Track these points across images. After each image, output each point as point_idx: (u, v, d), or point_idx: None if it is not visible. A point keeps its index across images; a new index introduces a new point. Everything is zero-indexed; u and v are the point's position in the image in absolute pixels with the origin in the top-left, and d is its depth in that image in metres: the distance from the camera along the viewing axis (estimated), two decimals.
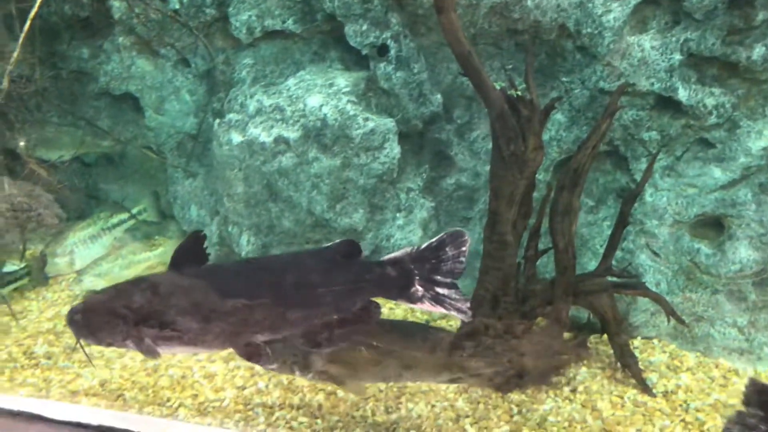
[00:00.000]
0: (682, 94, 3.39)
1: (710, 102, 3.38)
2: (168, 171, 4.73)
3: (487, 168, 3.72)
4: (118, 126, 4.77)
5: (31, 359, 3.54)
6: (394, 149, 3.73)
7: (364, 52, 3.83)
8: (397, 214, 3.92)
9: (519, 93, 3.11)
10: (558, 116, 3.62)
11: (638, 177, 3.54)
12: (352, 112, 3.69)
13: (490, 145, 3.32)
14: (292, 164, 3.75)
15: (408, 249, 2.50)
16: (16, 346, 3.67)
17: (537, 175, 3.23)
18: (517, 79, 3.21)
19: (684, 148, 3.55)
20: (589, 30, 3.42)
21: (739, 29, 3.23)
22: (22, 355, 3.58)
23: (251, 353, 2.31)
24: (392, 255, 2.49)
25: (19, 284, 4.24)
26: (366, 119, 3.69)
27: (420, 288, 2.41)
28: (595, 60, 3.47)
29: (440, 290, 2.42)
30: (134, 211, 4.70)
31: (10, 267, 4.13)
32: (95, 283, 4.22)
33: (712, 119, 3.40)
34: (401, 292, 2.42)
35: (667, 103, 3.48)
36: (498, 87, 3.10)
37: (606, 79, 3.47)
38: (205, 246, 2.40)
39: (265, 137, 3.77)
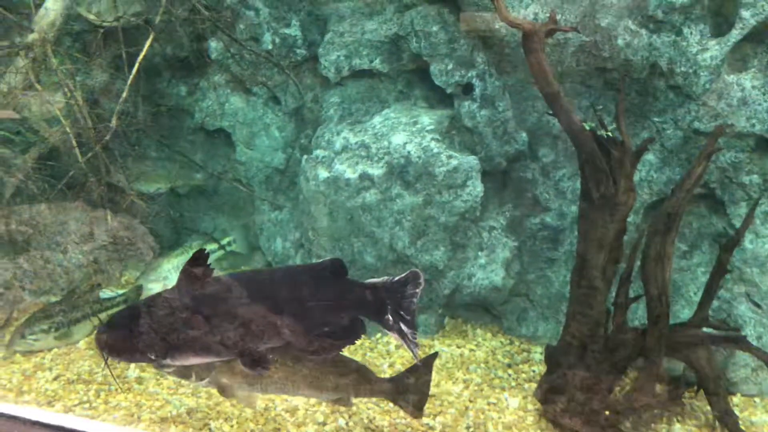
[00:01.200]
0: None
1: None
2: (256, 204, 4.90)
3: (574, 208, 3.65)
4: (211, 160, 4.99)
5: (124, 383, 3.71)
6: (477, 187, 3.72)
7: (449, 90, 3.87)
8: (479, 253, 3.88)
9: (609, 134, 3.04)
10: (649, 157, 3.51)
11: (736, 222, 3.37)
12: (435, 150, 3.71)
13: (577, 185, 3.26)
14: (376, 200, 3.80)
15: (384, 279, 2.64)
16: (111, 369, 3.84)
17: (627, 218, 3.13)
18: (606, 118, 3.14)
19: None
20: (683, 69, 3.31)
21: None
22: (116, 379, 3.75)
23: (254, 361, 2.42)
24: (372, 281, 2.63)
25: (117, 310, 4.47)
26: (449, 157, 3.71)
27: (391, 317, 2.58)
28: (689, 100, 3.35)
29: (403, 325, 2.60)
30: (223, 242, 4.88)
31: (109, 294, 4.37)
32: None
33: None
34: (378, 316, 2.58)
35: None
36: (587, 127, 3.05)
37: (701, 119, 3.33)
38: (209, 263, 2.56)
39: (351, 173, 3.84)
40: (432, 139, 3.77)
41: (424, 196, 3.73)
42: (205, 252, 2.41)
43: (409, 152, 3.73)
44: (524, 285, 3.98)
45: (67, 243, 3.55)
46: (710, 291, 3.14)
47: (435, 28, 3.83)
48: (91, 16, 4.00)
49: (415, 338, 2.59)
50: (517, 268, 3.92)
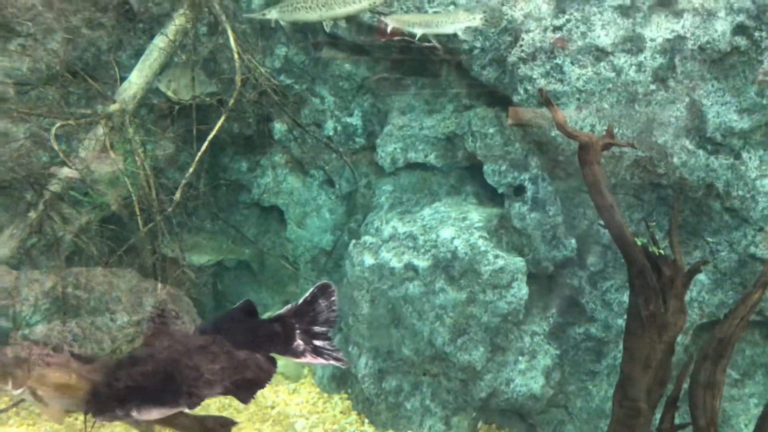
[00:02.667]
0: None
1: None
2: (299, 282, 4.96)
3: (620, 322, 3.58)
4: (262, 235, 5.11)
5: None
6: (522, 289, 3.69)
7: (501, 190, 3.92)
8: (520, 358, 3.81)
9: (661, 251, 3.01)
10: (701, 277, 3.45)
11: None
12: (482, 248, 3.73)
13: (624, 298, 3.21)
14: (419, 292, 3.81)
15: (289, 305, 2.71)
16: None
17: (676, 339, 3.04)
18: (658, 234, 3.12)
19: None
20: (740, 193, 3.30)
21: None
22: None
23: (192, 403, 2.56)
24: (278, 312, 2.70)
25: None
26: (496, 256, 3.72)
27: (301, 342, 2.63)
28: (746, 224, 3.32)
29: (318, 342, 2.64)
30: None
31: None
32: None
33: None
34: (286, 348, 2.63)
35: None
36: (639, 242, 3.03)
37: (758, 245, 3.28)
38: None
39: (396, 263, 3.88)
40: (480, 236, 3.79)
41: (468, 293, 3.72)
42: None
43: (456, 247, 3.76)
44: (564, 396, 3.85)
45: (117, 309, 3.65)
46: (763, 424, 2.98)
47: (491, 130, 3.94)
48: (169, 93, 4.27)
49: (334, 348, 2.64)
50: (557, 377, 3.82)
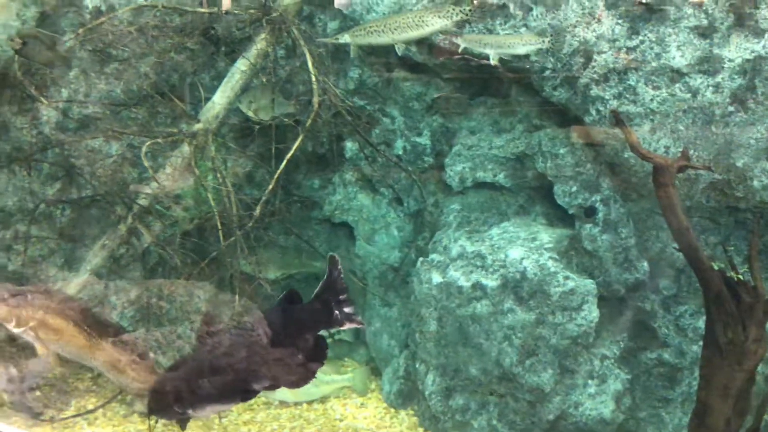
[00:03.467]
0: None
1: None
2: (367, 298, 5.06)
3: (695, 348, 3.50)
4: (332, 251, 5.22)
5: None
6: (592, 312, 3.66)
7: (571, 211, 3.91)
8: (589, 381, 3.76)
9: (740, 277, 2.94)
10: None
11: None
12: (552, 269, 3.72)
13: (698, 324, 3.15)
14: (487, 312, 3.82)
15: (321, 283, 2.96)
16: None
17: (756, 368, 2.95)
18: (736, 259, 3.05)
19: None
20: None
21: None
22: None
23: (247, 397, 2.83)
24: (316, 290, 2.95)
25: None
26: (566, 278, 3.70)
27: (337, 312, 2.89)
28: None
29: (346, 309, 2.91)
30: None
31: None
32: (283, 393, 4.51)
33: None
34: (329, 321, 2.88)
35: None
36: (716, 267, 2.97)
37: None
38: None
39: (464, 281, 3.91)
40: (550, 257, 3.79)
41: (537, 314, 3.72)
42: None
43: (525, 268, 3.77)
44: (635, 422, 3.78)
45: (196, 319, 3.85)
46: None
47: (562, 150, 3.94)
48: (250, 113, 4.48)
49: (357, 312, 2.91)
50: (628, 402, 3.75)
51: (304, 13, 4.53)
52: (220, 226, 3.87)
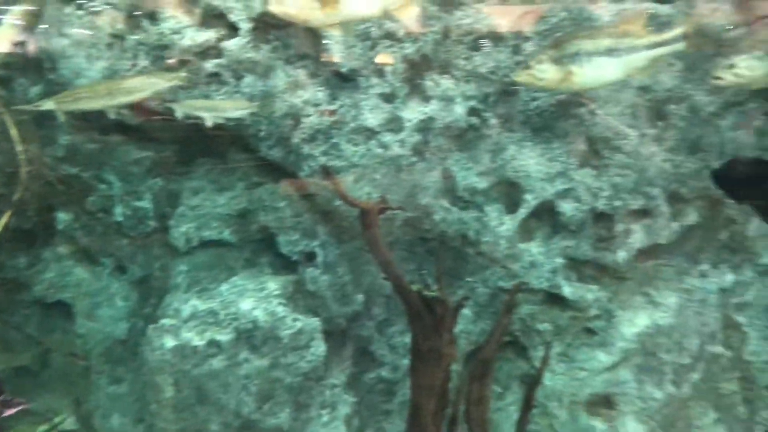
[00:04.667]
0: (567, 291, 3.95)
1: (590, 296, 3.94)
2: (92, 378, 4.70)
3: (405, 361, 4.01)
4: (47, 334, 4.79)
5: None
6: (320, 347, 3.96)
7: (294, 258, 4.23)
8: (322, 411, 4.02)
9: (432, 293, 3.51)
10: (466, 312, 4.03)
11: (537, 364, 3.90)
12: (281, 314, 3.96)
13: (406, 340, 3.64)
14: (223, 366, 3.88)
15: None
16: None
17: (451, 367, 3.53)
18: (429, 280, 3.66)
19: (573, 336, 4.03)
20: (487, 239, 4.01)
21: (604, 238, 3.92)
22: None
23: None
24: None
25: None
26: (294, 320, 3.97)
27: None
28: (493, 263, 4.02)
29: None
30: (56, 420, 4.54)
31: None
32: None
33: (593, 311, 3.95)
34: None
35: (555, 299, 4.02)
36: (414, 288, 3.51)
37: (503, 279, 4.00)
38: None
39: (198, 341, 3.92)
40: (279, 303, 4.03)
41: (271, 359, 3.90)
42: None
43: (256, 317, 3.94)
44: None
45: None
46: (521, 426, 3.54)
47: (282, 204, 4.28)
48: None
49: None
50: (357, 423, 4.10)
51: (2, 77, 4.27)
52: None
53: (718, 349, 4.09)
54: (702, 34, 3.66)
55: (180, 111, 4.12)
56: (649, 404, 3.94)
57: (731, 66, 3.51)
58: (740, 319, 4.13)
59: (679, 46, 3.44)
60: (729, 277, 4.11)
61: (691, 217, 4.05)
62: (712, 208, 4.06)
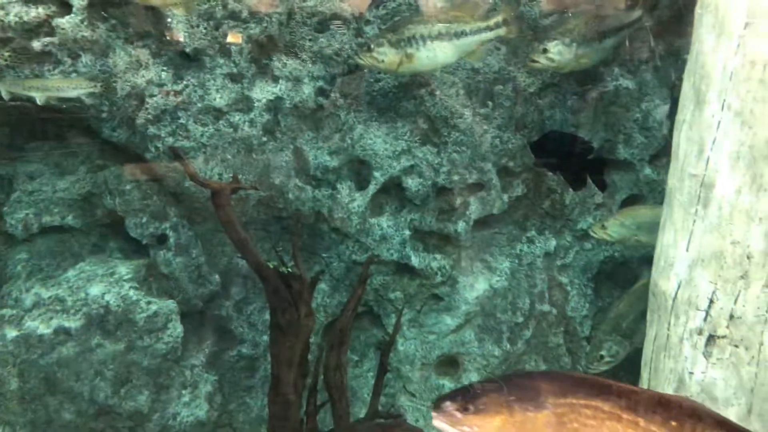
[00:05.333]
0: (414, 261, 4.28)
1: (435, 265, 4.31)
2: None
3: (264, 337, 4.16)
4: None
5: None
6: (177, 329, 3.99)
7: (144, 241, 4.17)
8: (183, 391, 4.07)
9: (289, 269, 3.65)
10: (322, 286, 4.26)
11: (391, 330, 4.24)
12: (134, 298, 3.93)
13: (266, 317, 3.78)
14: (74, 353, 3.79)
15: None
16: None
17: (310, 338, 3.73)
18: (285, 257, 3.79)
19: (422, 303, 4.39)
20: (340, 215, 4.22)
21: (446, 210, 4.29)
22: None
23: None
24: None
25: None
26: (148, 303, 3.95)
27: None
28: (347, 238, 4.25)
29: None
30: None
31: None
32: None
33: (438, 278, 4.31)
34: None
35: (404, 269, 4.34)
36: (271, 266, 3.63)
37: (357, 252, 4.25)
38: None
39: (45, 329, 3.79)
40: (131, 287, 3.98)
41: (126, 342, 3.86)
42: None
43: (108, 302, 3.87)
44: (227, 415, 4.25)
45: None
46: (377, 389, 3.85)
47: (128, 187, 4.17)
48: None
49: None
50: (219, 400, 4.20)
51: None
52: None
53: (546, 307, 4.60)
54: (519, 20, 4.09)
55: (4, 91, 3.85)
56: (490, 361, 4.41)
57: (544, 50, 3.94)
58: (563, 279, 4.67)
59: (501, 31, 3.83)
60: (552, 242, 4.61)
61: (519, 188, 4.51)
62: (536, 180, 4.55)
